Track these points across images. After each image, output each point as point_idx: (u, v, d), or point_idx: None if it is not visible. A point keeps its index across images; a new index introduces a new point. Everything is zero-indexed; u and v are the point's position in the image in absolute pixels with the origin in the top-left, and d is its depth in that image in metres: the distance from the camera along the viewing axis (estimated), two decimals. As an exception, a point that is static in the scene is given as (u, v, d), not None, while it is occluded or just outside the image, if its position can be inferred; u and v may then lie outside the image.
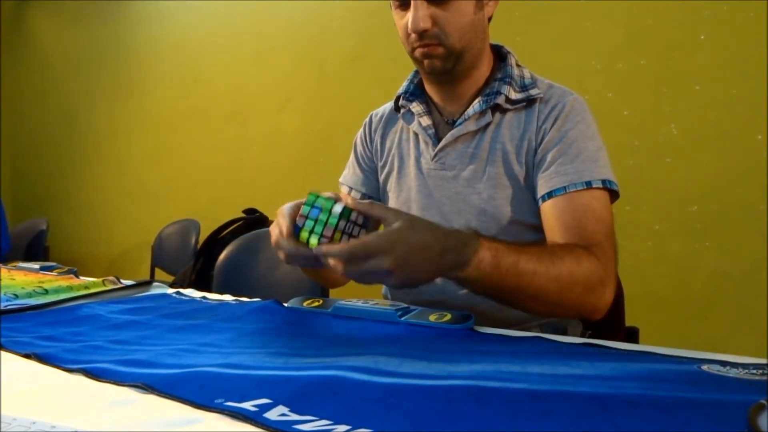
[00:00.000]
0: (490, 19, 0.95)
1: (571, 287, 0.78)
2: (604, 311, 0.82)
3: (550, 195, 0.87)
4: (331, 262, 0.68)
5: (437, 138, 0.97)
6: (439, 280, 0.94)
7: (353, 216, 0.73)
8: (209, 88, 3.07)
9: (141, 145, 3.43)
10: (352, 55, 2.50)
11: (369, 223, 0.76)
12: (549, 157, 0.89)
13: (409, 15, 0.87)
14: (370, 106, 1.14)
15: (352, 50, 2.50)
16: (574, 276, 0.78)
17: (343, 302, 0.82)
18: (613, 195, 0.89)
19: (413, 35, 0.88)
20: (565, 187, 0.86)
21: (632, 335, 1.01)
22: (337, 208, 0.71)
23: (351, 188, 1.09)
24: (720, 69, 1.65)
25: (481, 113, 0.93)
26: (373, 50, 2.42)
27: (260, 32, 2.84)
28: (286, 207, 0.76)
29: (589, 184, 0.85)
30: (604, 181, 0.86)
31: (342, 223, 0.71)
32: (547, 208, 0.88)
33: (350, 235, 0.73)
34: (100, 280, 1.11)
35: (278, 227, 0.75)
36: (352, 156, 1.12)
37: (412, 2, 0.86)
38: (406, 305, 0.79)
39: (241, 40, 2.92)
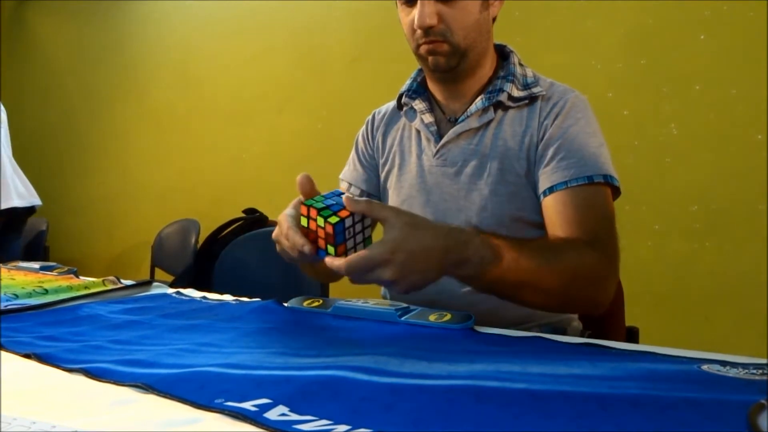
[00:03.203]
0: (494, 19, 0.95)
1: (573, 281, 0.77)
2: (606, 305, 0.82)
3: (551, 190, 0.87)
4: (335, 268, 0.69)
5: (439, 135, 0.97)
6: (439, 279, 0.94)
7: (356, 217, 0.72)
8: (209, 88, 3.07)
9: (141, 145, 3.43)
10: (352, 55, 2.50)
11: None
12: (550, 153, 0.89)
13: (416, 11, 0.87)
14: (370, 106, 1.14)
15: (352, 50, 2.50)
16: (576, 270, 0.78)
17: (343, 302, 0.82)
18: (615, 191, 0.89)
19: (419, 32, 0.88)
20: (566, 182, 0.86)
21: (632, 335, 1.01)
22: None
23: (350, 184, 1.10)
24: (720, 69, 1.65)
25: (484, 110, 0.93)
26: (373, 50, 2.42)
27: (260, 32, 2.84)
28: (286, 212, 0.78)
29: (590, 179, 0.85)
30: (605, 177, 0.86)
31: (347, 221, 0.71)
32: (549, 203, 0.88)
33: (354, 232, 0.73)
34: (100, 280, 1.11)
35: (279, 226, 0.77)
36: (353, 153, 1.12)
37: None
38: (406, 305, 0.79)
39: (241, 40, 2.92)
